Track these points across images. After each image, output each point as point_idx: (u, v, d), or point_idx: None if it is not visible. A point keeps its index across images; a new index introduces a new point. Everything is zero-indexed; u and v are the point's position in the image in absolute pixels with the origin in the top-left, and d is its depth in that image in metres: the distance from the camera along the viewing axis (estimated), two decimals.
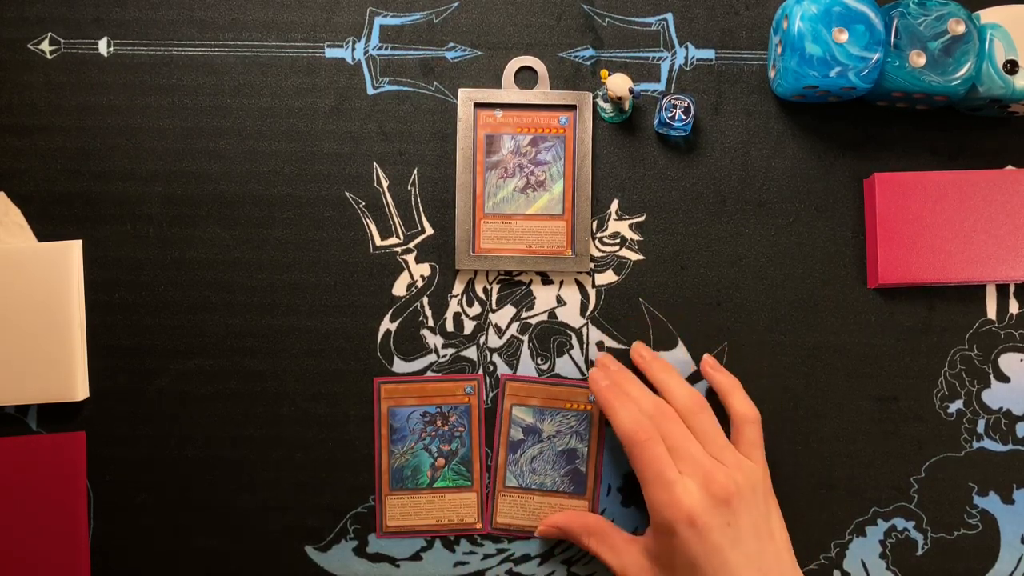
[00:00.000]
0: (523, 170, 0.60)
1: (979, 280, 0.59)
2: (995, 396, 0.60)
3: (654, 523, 0.52)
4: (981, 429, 0.60)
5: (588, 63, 0.61)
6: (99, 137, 0.60)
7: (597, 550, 0.55)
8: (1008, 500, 0.60)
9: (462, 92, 0.60)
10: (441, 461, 0.59)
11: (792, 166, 0.61)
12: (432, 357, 0.60)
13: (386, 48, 0.61)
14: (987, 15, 0.56)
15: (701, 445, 0.53)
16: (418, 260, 0.60)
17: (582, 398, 0.59)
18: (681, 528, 0.50)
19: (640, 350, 0.59)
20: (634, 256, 0.61)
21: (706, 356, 0.59)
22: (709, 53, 0.61)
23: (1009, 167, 0.61)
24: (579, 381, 0.60)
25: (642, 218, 0.61)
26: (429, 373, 0.60)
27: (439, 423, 0.59)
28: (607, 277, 0.60)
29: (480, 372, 0.60)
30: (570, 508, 0.59)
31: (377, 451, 0.59)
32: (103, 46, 0.61)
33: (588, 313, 0.60)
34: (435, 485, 0.59)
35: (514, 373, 0.60)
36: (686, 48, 0.61)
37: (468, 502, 0.59)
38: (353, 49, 0.61)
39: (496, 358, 0.60)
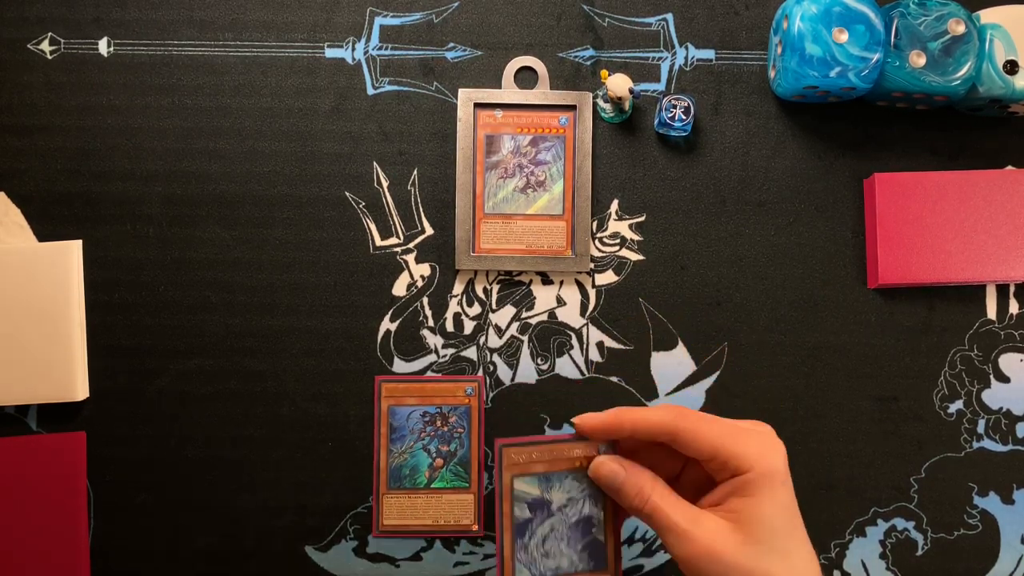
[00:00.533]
0: (523, 170, 0.60)
1: (979, 280, 0.59)
2: (995, 396, 0.60)
3: (750, 480, 0.44)
4: (981, 429, 0.60)
5: (588, 63, 0.61)
6: (99, 137, 0.60)
7: (661, 505, 0.45)
8: (1008, 500, 0.60)
9: (462, 92, 0.60)
10: (440, 462, 0.59)
11: (792, 166, 0.61)
12: (432, 357, 0.60)
13: (386, 48, 0.61)
14: (987, 15, 0.56)
15: None
16: (418, 260, 0.60)
17: (592, 452, 0.50)
18: (781, 464, 0.45)
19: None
20: (634, 256, 0.61)
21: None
22: (709, 53, 0.61)
23: (1009, 167, 0.61)
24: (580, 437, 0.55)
25: (642, 218, 0.61)
26: (429, 373, 0.60)
27: (439, 423, 0.59)
28: (607, 277, 0.60)
29: (480, 374, 0.60)
30: None
31: (376, 450, 0.59)
32: (103, 46, 0.61)
33: (588, 313, 0.60)
34: (433, 485, 0.59)
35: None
36: (686, 48, 0.61)
37: (465, 504, 0.59)
38: (353, 49, 0.61)
39: (496, 358, 0.60)
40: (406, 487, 0.59)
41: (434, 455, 0.59)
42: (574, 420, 0.47)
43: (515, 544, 0.49)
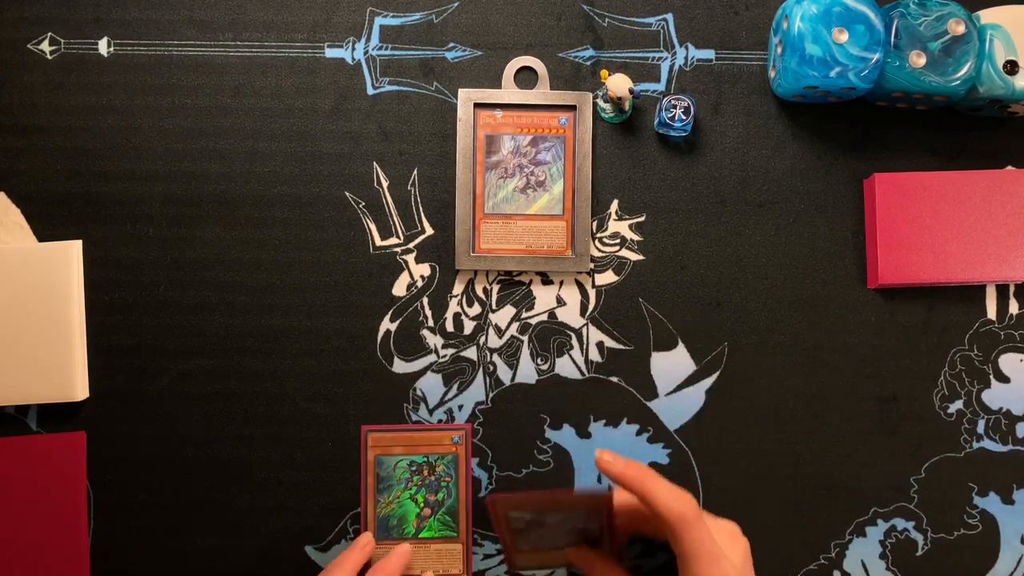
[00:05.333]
0: (523, 170, 0.60)
1: (979, 280, 0.59)
2: (995, 396, 0.60)
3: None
4: (981, 429, 0.60)
5: (588, 63, 0.61)
6: (99, 137, 0.60)
7: None
8: (1008, 500, 0.60)
9: (462, 92, 0.60)
10: (427, 511, 0.59)
11: (792, 166, 0.61)
12: (432, 357, 0.60)
13: (386, 48, 0.61)
14: (987, 15, 0.56)
15: None
16: (418, 260, 0.60)
17: (587, 502, 0.51)
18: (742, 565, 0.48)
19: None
20: (634, 256, 0.61)
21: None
22: (709, 53, 0.61)
23: (1009, 167, 0.61)
24: (575, 490, 0.58)
25: (642, 218, 0.61)
26: (416, 421, 0.59)
27: (426, 473, 0.59)
28: (607, 277, 0.60)
29: (467, 422, 0.59)
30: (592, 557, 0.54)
31: (363, 500, 0.59)
32: (103, 46, 0.61)
33: (588, 313, 0.60)
34: (421, 535, 0.59)
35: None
36: (686, 48, 0.61)
37: (454, 553, 0.59)
38: (353, 49, 0.61)
39: (496, 358, 0.60)
40: (394, 537, 0.59)
41: (421, 505, 0.59)
42: (601, 457, 0.49)
43: (516, 541, 0.53)
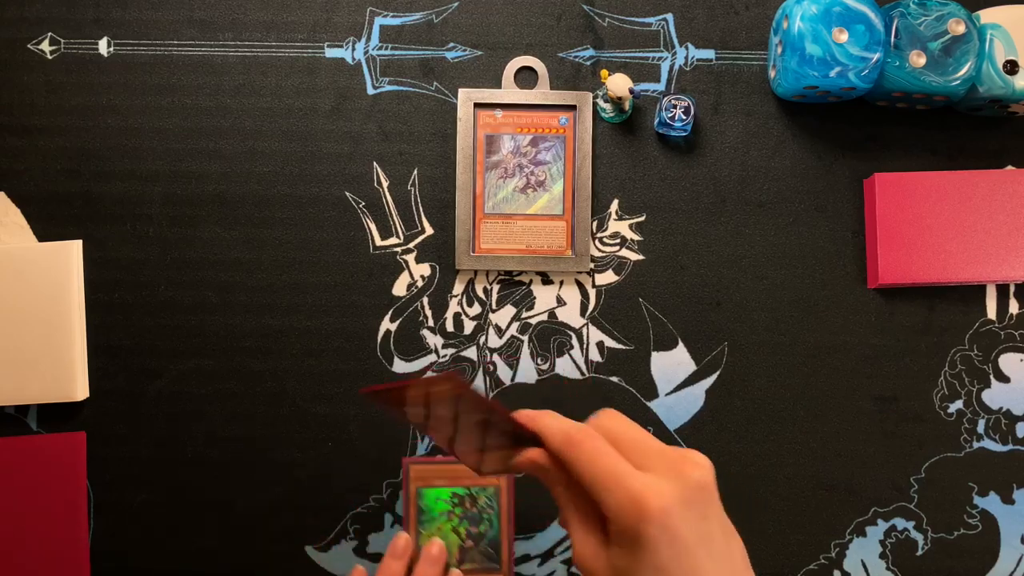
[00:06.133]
0: (523, 170, 0.60)
1: (979, 280, 0.59)
2: (995, 396, 0.60)
3: (614, 533, 0.39)
4: (981, 429, 0.60)
5: (588, 63, 0.61)
6: (99, 137, 0.60)
7: (565, 517, 0.42)
8: (1008, 500, 0.60)
9: (462, 92, 0.60)
10: (470, 543, 0.59)
11: (792, 166, 0.61)
12: (432, 357, 0.60)
13: (386, 48, 0.61)
14: (987, 15, 0.56)
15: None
16: (418, 260, 0.60)
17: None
18: (650, 530, 0.38)
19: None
20: (634, 256, 0.61)
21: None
22: (709, 53, 0.61)
23: (1009, 167, 0.61)
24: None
25: (642, 218, 0.61)
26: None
27: (468, 505, 0.59)
28: (607, 277, 0.60)
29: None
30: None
31: (406, 531, 0.59)
32: (103, 46, 0.61)
33: (588, 313, 0.60)
34: (463, 567, 0.59)
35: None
36: (686, 48, 0.61)
37: None
38: (353, 49, 0.61)
39: (496, 358, 0.60)
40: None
41: (464, 536, 0.59)
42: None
43: (455, 442, 0.45)
